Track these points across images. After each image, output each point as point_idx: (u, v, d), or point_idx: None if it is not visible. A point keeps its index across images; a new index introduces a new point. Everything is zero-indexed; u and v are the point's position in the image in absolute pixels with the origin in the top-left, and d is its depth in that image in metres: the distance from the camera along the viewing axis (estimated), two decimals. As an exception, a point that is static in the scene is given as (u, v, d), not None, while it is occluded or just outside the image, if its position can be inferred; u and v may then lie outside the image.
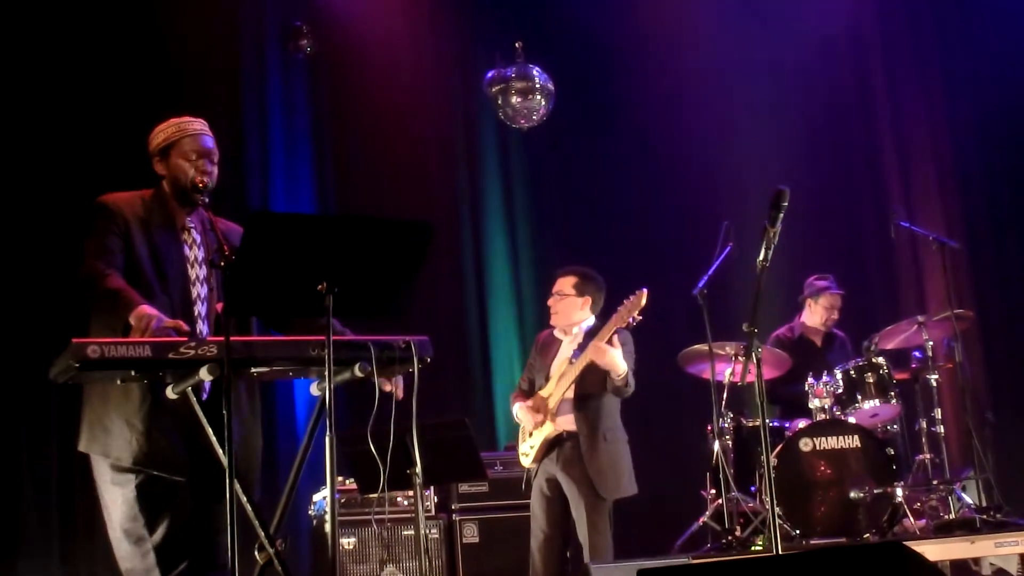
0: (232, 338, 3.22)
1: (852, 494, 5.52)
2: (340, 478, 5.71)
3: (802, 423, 5.89)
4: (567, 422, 5.33)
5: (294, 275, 3.24)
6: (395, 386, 3.61)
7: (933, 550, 5.11)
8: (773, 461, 5.36)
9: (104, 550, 3.71)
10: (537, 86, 7.26)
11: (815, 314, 6.77)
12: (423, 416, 3.52)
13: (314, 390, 3.57)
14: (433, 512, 6.13)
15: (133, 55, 6.81)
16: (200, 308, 3.72)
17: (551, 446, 5.37)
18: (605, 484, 5.24)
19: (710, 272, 5.80)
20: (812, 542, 5.41)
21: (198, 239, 3.79)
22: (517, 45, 7.29)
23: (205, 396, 3.52)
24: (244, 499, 3.31)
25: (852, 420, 5.85)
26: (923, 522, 5.76)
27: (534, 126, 7.46)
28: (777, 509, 4.17)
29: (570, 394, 5.32)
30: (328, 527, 3.29)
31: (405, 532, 6.01)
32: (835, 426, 5.73)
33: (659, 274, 6.63)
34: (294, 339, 3.50)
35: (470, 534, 6.18)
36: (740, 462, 6.01)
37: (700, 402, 6.13)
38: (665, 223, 8.01)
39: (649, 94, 8.11)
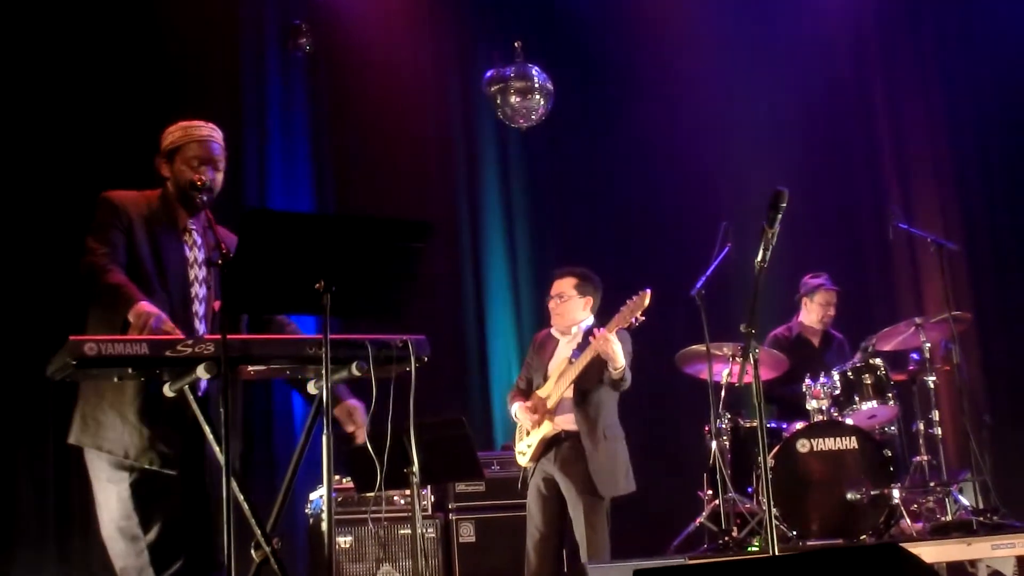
0: (229, 336, 3.21)
1: (849, 495, 5.52)
2: (337, 477, 5.70)
3: (799, 424, 5.89)
4: (565, 421, 5.33)
5: (291, 273, 3.24)
6: (357, 426, 3.69)
7: (930, 552, 5.11)
8: (770, 462, 5.36)
9: (100, 548, 3.70)
10: (536, 86, 7.26)
11: (811, 312, 6.77)
12: (420, 415, 3.52)
13: (311, 389, 3.57)
14: (430, 511, 6.13)
15: (132, 54, 6.82)
16: (199, 308, 3.73)
17: (548, 445, 5.37)
18: (605, 481, 5.24)
19: (708, 273, 5.80)
20: (809, 543, 5.41)
21: (199, 240, 3.80)
22: (516, 44, 7.29)
23: (201, 393, 3.52)
24: (240, 497, 3.31)
25: (849, 421, 5.85)
26: (920, 524, 5.76)
27: (533, 125, 7.46)
28: (774, 510, 4.16)
29: (569, 393, 5.32)
30: (325, 525, 3.28)
31: (402, 531, 6.01)
32: (832, 427, 5.73)
33: (657, 274, 6.61)
34: (291, 337, 3.49)
35: (467, 533, 6.18)
36: (737, 463, 6.01)
37: (698, 403, 6.13)
38: (663, 223, 8.01)
39: (648, 94, 8.11)
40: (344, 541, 5.97)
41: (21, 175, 6.49)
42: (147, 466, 3.55)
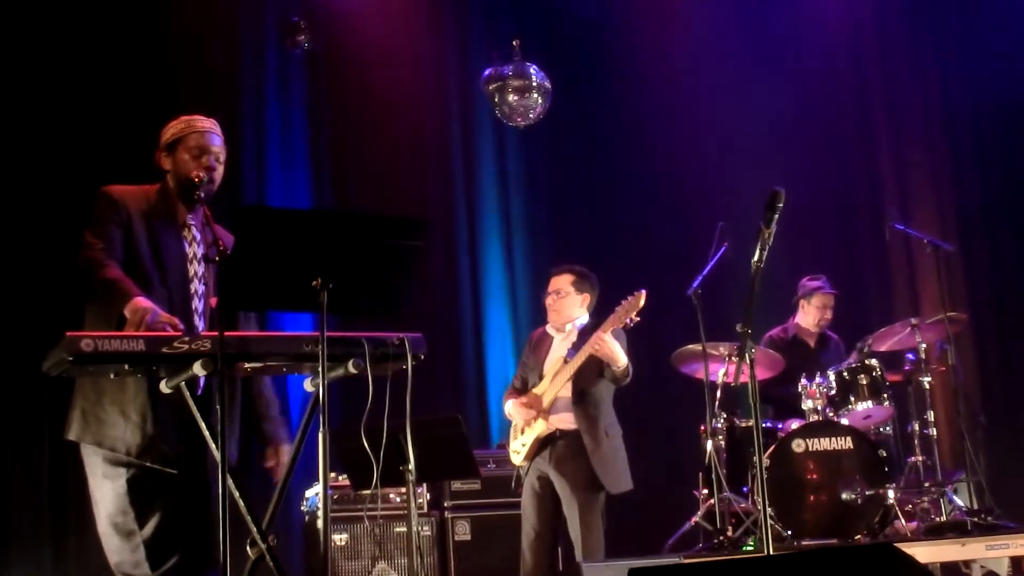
0: (226, 333, 3.22)
1: (844, 495, 5.53)
2: (333, 474, 5.70)
3: (795, 424, 5.90)
4: (561, 420, 5.33)
5: (288, 270, 3.24)
6: (277, 461, 3.77)
7: (924, 552, 5.13)
8: (766, 462, 5.36)
9: (96, 544, 3.70)
10: (534, 84, 7.26)
11: (808, 315, 6.78)
12: (416, 413, 3.52)
13: (308, 386, 3.57)
14: (425, 509, 6.13)
15: (131, 51, 6.81)
16: (197, 304, 3.73)
17: (543, 444, 5.36)
18: (609, 477, 5.22)
19: (705, 272, 5.80)
20: (803, 543, 5.42)
21: (198, 236, 3.80)
22: (514, 43, 7.28)
23: (200, 391, 3.52)
24: (237, 494, 3.31)
25: (845, 421, 5.86)
26: (914, 524, 5.77)
27: (530, 124, 7.46)
28: (769, 510, 4.17)
29: (565, 392, 5.31)
30: (321, 523, 3.29)
31: (397, 529, 6.01)
32: (828, 427, 5.74)
33: (654, 274, 6.62)
34: (288, 335, 3.49)
35: (462, 532, 6.18)
36: (733, 462, 6.02)
37: (694, 402, 6.14)
38: (661, 223, 8.01)
39: (646, 93, 8.11)
40: (340, 539, 5.97)
41: (19, 170, 6.48)
42: (148, 464, 3.54)
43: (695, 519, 6.02)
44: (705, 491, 6.02)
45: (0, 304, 6.33)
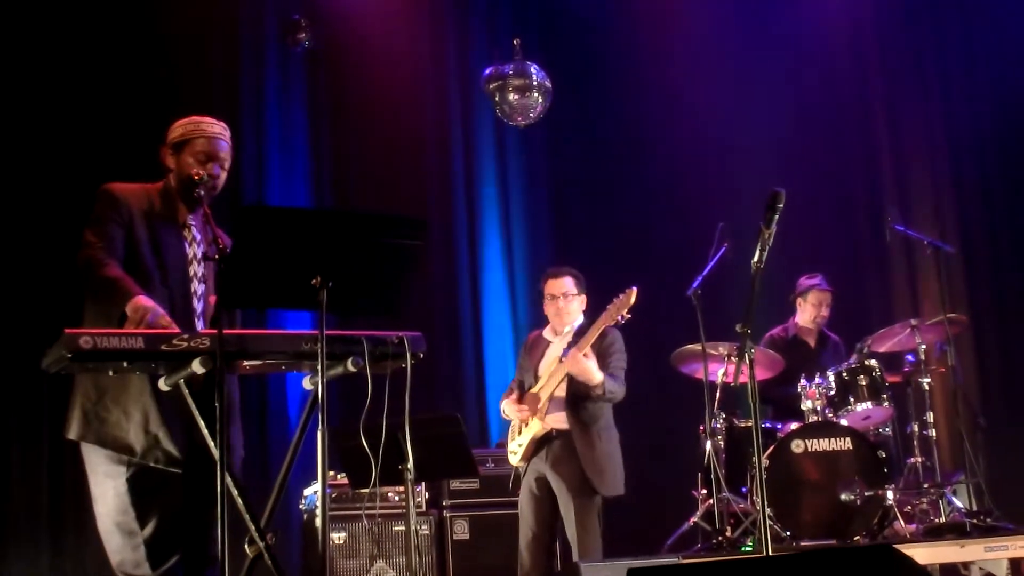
0: (225, 331, 3.21)
1: (843, 496, 5.53)
2: (331, 473, 5.70)
3: (794, 424, 5.89)
4: (556, 420, 5.32)
5: (287, 269, 3.24)
6: None
7: (923, 553, 5.11)
8: (765, 462, 5.35)
9: (95, 543, 3.70)
10: (535, 83, 7.25)
11: (805, 312, 6.78)
12: (415, 412, 3.52)
13: (307, 384, 3.57)
14: (424, 508, 6.13)
15: (131, 49, 6.81)
16: (197, 305, 3.73)
17: (540, 444, 5.36)
18: (601, 479, 5.23)
19: (705, 272, 5.80)
20: (802, 544, 5.41)
21: (198, 237, 3.80)
22: (515, 42, 7.28)
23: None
24: (235, 492, 3.31)
25: (844, 422, 5.86)
26: (913, 525, 5.77)
27: (531, 123, 7.46)
28: (768, 510, 4.16)
29: (560, 392, 5.31)
30: (319, 522, 3.28)
31: (396, 528, 6.01)
32: (827, 428, 5.73)
33: (654, 274, 6.63)
34: (287, 333, 3.49)
35: (460, 531, 6.18)
36: (732, 463, 6.01)
37: (693, 402, 6.13)
38: (661, 223, 8.01)
39: (646, 93, 8.11)
40: (338, 537, 5.97)
41: (19, 168, 6.48)
42: (152, 464, 3.54)
43: (694, 519, 6.02)
44: (704, 491, 6.02)
45: (1, 301, 6.32)
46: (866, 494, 5.51)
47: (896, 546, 2.55)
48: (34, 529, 6.25)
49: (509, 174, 8.14)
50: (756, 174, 7.42)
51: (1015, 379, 7.82)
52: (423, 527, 6.06)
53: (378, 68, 7.78)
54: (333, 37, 7.71)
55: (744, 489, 5.91)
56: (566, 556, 5.53)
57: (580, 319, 5.52)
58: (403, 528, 5.90)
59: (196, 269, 3.76)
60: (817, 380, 5.99)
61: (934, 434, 6.08)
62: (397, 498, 6.01)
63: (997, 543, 5.21)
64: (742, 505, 5.76)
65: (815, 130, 8.21)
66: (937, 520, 5.75)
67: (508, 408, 5.49)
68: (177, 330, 3.34)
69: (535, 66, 7.32)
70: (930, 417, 6.08)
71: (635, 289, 5.16)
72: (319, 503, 3.26)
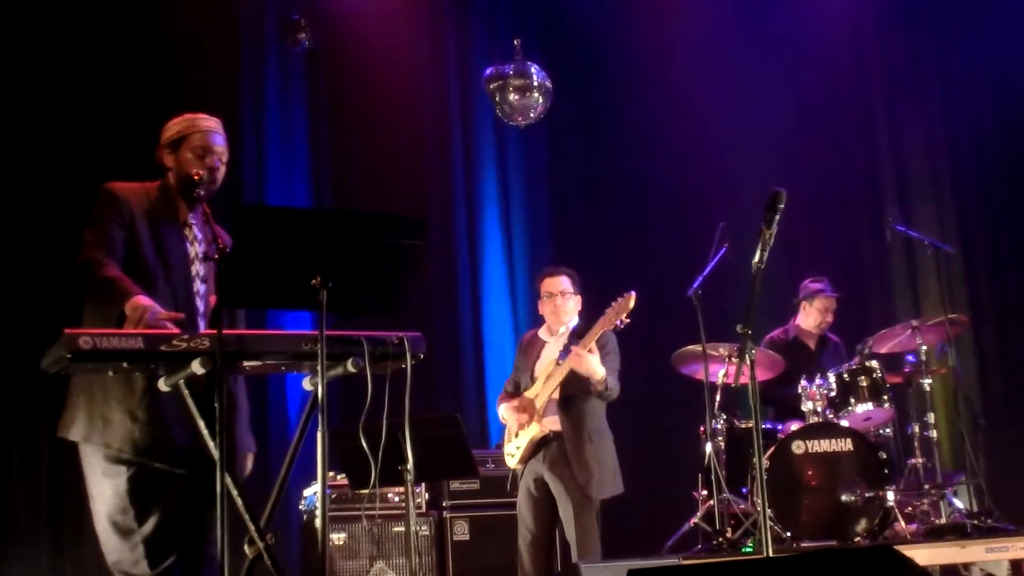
0: (225, 331, 3.21)
1: (844, 497, 5.52)
2: (331, 473, 5.69)
3: (795, 425, 5.89)
4: (554, 422, 5.32)
5: (287, 269, 3.23)
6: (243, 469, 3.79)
7: (923, 555, 5.11)
8: (765, 463, 5.35)
9: (94, 543, 3.69)
10: (535, 84, 7.25)
11: (809, 317, 6.76)
12: (415, 412, 3.51)
13: (306, 385, 3.56)
14: (424, 509, 6.12)
15: (132, 50, 6.80)
16: (199, 304, 3.72)
17: (538, 446, 5.35)
18: (591, 484, 5.24)
19: (705, 273, 5.80)
20: (803, 545, 5.41)
21: (199, 235, 3.80)
22: (516, 42, 7.28)
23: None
24: (235, 492, 3.30)
25: (845, 423, 5.85)
26: (914, 526, 5.76)
27: (531, 124, 7.46)
28: (768, 511, 4.16)
29: (557, 394, 5.31)
30: (319, 522, 3.28)
31: (395, 529, 6.01)
32: (828, 429, 5.73)
33: (654, 274, 6.63)
34: (287, 333, 3.48)
35: (460, 531, 6.17)
36: (732, 464, 6.01)
37: (693, 403, 6.13)
38: (661, 223, 8.00)
39: (646, 93, 8.11)
40: (338, 538, 5.96)
41: (19, 168, 6.48)
42: (156, 464, 3.53)
43: (694, 520, 6.01)
44: (704, 492, 6.01)
45: (0, 302, 6.32)
46: (867, 495, 5.51)
47: (897, 547, 2.54)
48: (34, 529, 6.24)
49: (509, 174, 8.14)
50: (756, 174, 7.42)
51: (1016, 379, 7.81)
52: (423, 528, 6.05)
53: (378, 68, 7.78)
54: (333, 37, 7.71)
55: (745, 490, 5.91)
56: (566, 557, 5.52)
57: (575, 319, 5.52)
58: (403, 529, 5.89)
59: (198, 268, 3.75)
60: (818, 381, 5.99)
61: (935, 435, 6.07)
62: (397, 499, 6.00)
63: (998, 544, 5.21)
64: (743, 506, 5.75)
65: (815, 130, 8.21)
66: (938, 521, 5.75)
67: (507, 414, 5.48)
68: (177, 330, 3.33)
69: (535, 66, 7.32)
70: (931, 418, 6.07)
71: (634, 294, 5.15)
72: (319, 503, 3.25)
